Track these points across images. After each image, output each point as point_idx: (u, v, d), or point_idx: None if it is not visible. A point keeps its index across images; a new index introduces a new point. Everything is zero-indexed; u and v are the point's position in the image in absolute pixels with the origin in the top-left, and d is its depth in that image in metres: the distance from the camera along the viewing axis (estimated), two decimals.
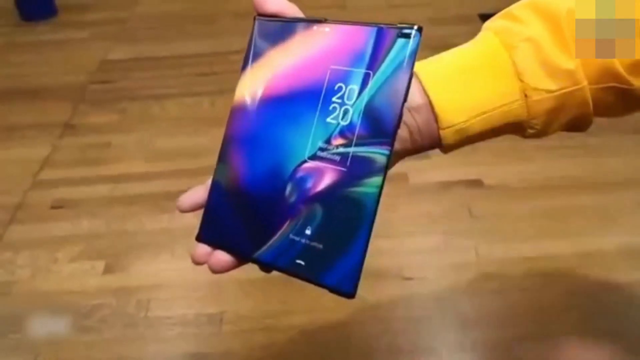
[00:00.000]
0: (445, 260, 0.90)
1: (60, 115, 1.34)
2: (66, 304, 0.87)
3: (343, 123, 0.32)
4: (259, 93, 0.35)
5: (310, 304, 0.83)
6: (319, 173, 0.32)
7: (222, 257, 0.34)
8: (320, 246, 0.31)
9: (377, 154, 0.31)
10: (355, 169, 0.31)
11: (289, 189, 0.33)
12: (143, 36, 1.73)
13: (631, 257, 0.88)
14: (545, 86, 0.33)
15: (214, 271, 0.34)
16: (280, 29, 0.35)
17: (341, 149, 0.32)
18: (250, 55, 0.36)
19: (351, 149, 0.32)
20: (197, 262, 0.34)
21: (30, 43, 1.72)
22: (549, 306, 0.81)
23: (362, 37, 0.33)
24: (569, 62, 0.33)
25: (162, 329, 0.82)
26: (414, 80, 0.32)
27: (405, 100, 0.31)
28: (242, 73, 0.36)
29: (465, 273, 0.88)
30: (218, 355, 0.79)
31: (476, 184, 1.03)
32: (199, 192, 0.36)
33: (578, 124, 0.35)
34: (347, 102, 0.32)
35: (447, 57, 0.35)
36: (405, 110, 0.31)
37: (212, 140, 1.46)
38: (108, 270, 0.93)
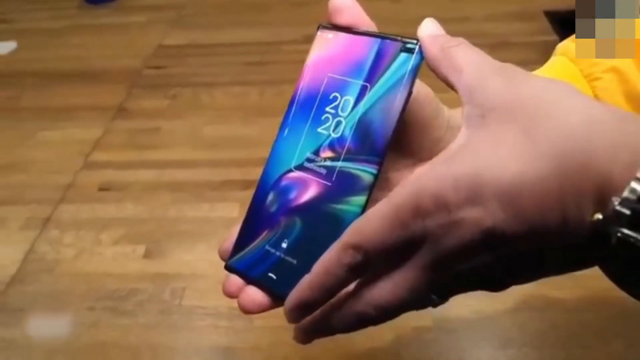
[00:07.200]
0: None
1: (114, 98, 1.37)
2: (106, 285, 0.90)
3: (334, 135, 0.31)
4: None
5: None
6: (302, 185, 0.31)
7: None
8: (294, 262, 0.30)
9: (365, 172, 0.29)
10: (340, 185, 0.30)
11: (270, 197, 0.32)
12: (198, 23, 1.75)
13: None
14: None
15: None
16: (333, 39, 0.34)
17: (328, 162, 0.31)
18: (305, 64, 0.36)
19: (338, 164, 0.30)
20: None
21: (91, 26, 1.78)
22: (597, 331, 0.76)
23: (363, 47, 0.31)
24: None
25: (195, 318, 0.83)
26: None
27: (400, 118, 0.29)
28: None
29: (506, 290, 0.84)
30: (248, 349, 0.79)
31: None
32: None
33: None
34: (340, 113, 0.31)
35: None
36: None
37: (260, 131, 1.44)
38: (147, 255, 0.94)
